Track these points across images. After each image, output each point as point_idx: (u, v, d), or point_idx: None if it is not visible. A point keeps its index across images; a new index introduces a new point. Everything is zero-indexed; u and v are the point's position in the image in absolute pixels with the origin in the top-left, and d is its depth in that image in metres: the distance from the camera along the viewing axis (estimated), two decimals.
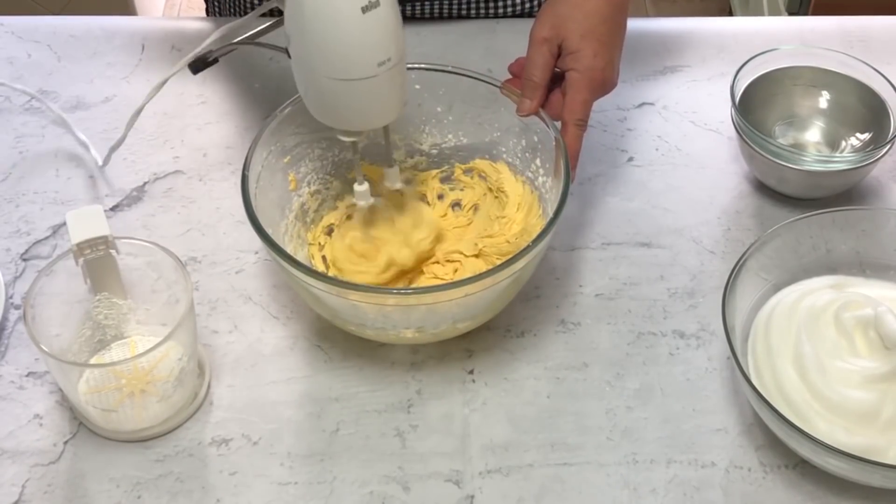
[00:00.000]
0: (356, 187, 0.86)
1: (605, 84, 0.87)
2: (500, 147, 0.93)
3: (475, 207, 0.94)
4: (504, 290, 0.81)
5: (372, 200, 0.87)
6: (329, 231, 0.93)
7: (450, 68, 0.91)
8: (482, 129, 0.93)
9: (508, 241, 0.88)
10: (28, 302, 0.78)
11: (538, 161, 0.90)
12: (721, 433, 0.82)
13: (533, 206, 0.90)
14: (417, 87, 0.89)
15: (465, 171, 0.95)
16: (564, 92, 0.87)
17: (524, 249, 0.78)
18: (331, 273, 0.89)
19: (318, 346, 0.87)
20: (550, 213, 0.82)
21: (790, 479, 0.79)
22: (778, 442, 0.80)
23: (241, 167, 0.84)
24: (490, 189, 0.94)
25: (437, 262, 0.90)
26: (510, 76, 0.91)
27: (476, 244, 0.90)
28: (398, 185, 0.89)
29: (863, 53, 0.99)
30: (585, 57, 0.85)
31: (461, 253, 0.90)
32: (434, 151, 0.95)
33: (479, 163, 0.94)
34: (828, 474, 0.77)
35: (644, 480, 0.79)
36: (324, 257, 0.91)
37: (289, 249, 0.88)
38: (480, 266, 0.88)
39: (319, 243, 0.92)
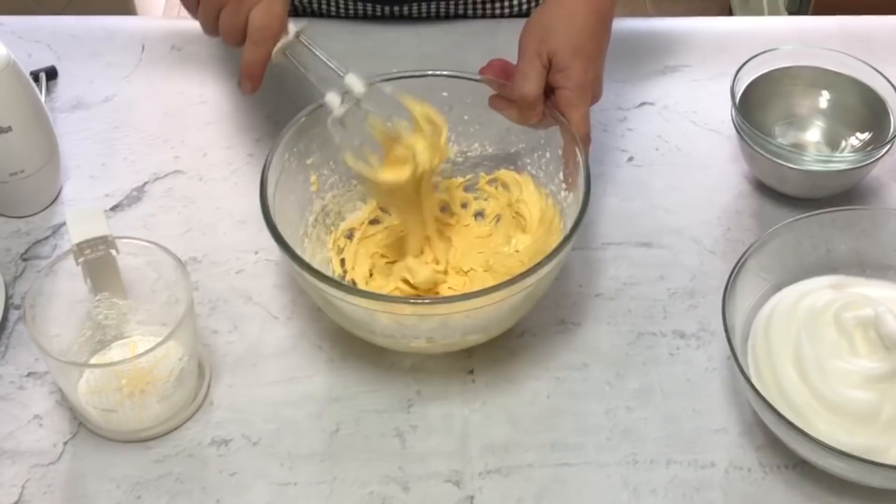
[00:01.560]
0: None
1: (595, 98, 0.89)
2: (525, 159, 0.93)
3: (497, 218, 0.93)
4: (520, 303, 0.80)
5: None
6: (349, 235, 0.92)
7: (477, 77, 0.90)
8: (507, 139, 0.93)
9: (522, 262, 0.87)
10: (28, 302, 0.78)
11: (562, 175, 0.89)
12: (721, 433, 0.82)
13: (554, 221, 0.89)
14: (445, 94, 0.89)
15: (490, 182, 0.94)
16: (558, 108, 0.87)
17: (539, 263, 0.77)
18: (349, 276, 0.89)
19: (319, 346, 0.87)
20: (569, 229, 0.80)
21: (790, 479, 0.79)
22: (778, 442, 0.80)
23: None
24: (510, 205, 0.93)
25: (448, 273, 0.90)
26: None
27: (488, 260, 0.89)
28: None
29: (863, 53, 0.99)
30: (577, 74, 0.85)
31: (472, 269, 0.89)
32: (459, 159, 0.95)
33: (504, 173, 0.94)
34: (828, 474, 0.77)
35: (644, 480, 0.79)
36: (342, 261, 0.91)
37: (307, 251, 0.87)
38: (489, 282, 0.87)
39: (339, 246, 0.91)
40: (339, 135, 0.85)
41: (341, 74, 0.84)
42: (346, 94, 0.84)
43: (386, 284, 0.88)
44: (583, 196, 0.81)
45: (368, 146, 0.86)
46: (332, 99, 0.84)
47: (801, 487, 0.79)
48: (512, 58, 0.91)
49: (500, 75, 0.89)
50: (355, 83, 0.84)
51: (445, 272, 0.89)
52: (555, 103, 0.87)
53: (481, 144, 0.94)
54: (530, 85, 0.85)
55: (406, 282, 0.87)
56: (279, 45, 0.83)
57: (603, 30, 0.88)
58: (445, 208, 0.94)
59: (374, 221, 0.93)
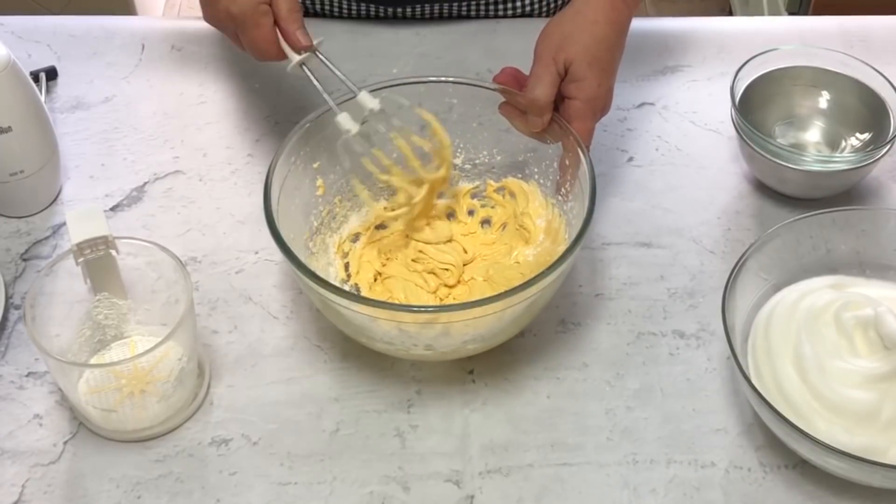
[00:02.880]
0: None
1: (604, 110, 0.89)
2: (532, 167, 0.92)
3: (504, 226, 0.93)
4: (522, 312, 0.80)
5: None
6: (355, 239, 0.92)
7: (486, 84, 0.89)
8: (515, 147, 0.93)
9: (522, 273, 0.87)
10: (28, 302, 0.78)
11: (568, 185, 0.88)
12: (721, 433, 0.82)
13: (560, 231, 0.89)
14: (454, 101, 0.88)
15: (497, 190, 0.94)
16: (565, 118, 0.87)
17: (542, 272, 0.77)
18: (352, 281, 0.89)
19: (318, 346, 0.87)
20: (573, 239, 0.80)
21: (790, 479, 0.79)
22: (778, 442, 0.80)
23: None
24: (515, 216, 0.93)
25: (451, 286, 0.89)
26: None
27: (488, 270, 0.89)
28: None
29: (863, 53, 0.99)
30: (590, 87, 0.85)
31: (473, 278, 0.89)
32: (467, 166, 0.95)
33: (511, 182, 0.94)
34: (828, 474, 0.77)
35: (644, 480, 0.79)
36: (346, 265, 0.90)
37: (311, 255, 0.87)
38: (487, 292, 0.86)
39: (343, 251, 0.91)
40: (347, 160, 0.85)
41: (354, 92, 0.85)
42: (363, 117, 0.85)
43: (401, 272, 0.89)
44: (588, 207, 0.81)
45: (370, 158, 0.86)
46: (345, 121, 0.85)
47: (801, 487, 0.79)
48: (512, 59, 0.91)
49: (511, 83, 0.89)
50: (369, 100, 0.85)
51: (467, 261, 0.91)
52: (563, 113, 0.87)
53: (489, 152, 0.94)
54: (543, 90, 0.85)
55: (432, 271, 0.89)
56: (299, 57, 0.84)
57: (619, 42, 0.88)
58: (452, 215, 0.94)
59: (380, 226, 0.93)
